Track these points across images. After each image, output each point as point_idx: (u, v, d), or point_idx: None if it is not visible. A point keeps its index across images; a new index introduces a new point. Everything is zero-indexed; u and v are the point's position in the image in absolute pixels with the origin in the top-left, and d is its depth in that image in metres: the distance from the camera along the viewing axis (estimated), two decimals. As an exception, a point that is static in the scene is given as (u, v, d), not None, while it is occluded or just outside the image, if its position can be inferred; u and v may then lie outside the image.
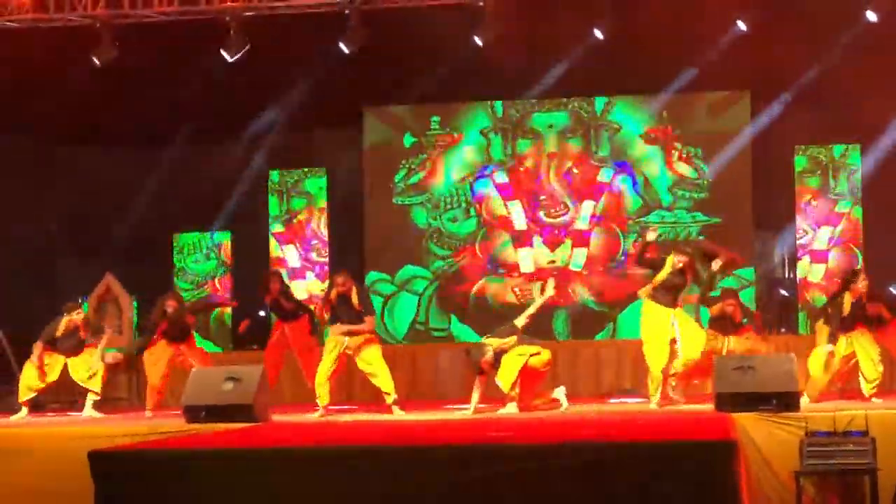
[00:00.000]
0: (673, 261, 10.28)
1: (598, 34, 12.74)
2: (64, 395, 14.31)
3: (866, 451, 7.87)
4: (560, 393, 10.92)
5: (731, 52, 13.76)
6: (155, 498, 7.53)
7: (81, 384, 12.21)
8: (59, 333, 12.20)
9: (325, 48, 14.25)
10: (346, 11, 13.47)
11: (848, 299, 10.71)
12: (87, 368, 12.10)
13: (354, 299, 10.85)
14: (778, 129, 14.79)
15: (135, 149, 16.01)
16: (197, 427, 9.48)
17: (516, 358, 10.60)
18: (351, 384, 12.96)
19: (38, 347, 12.16)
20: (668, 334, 10.29)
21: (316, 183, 14.25)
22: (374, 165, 15.35)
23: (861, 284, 10.70)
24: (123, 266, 15.16)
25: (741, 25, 13.34)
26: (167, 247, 15.92)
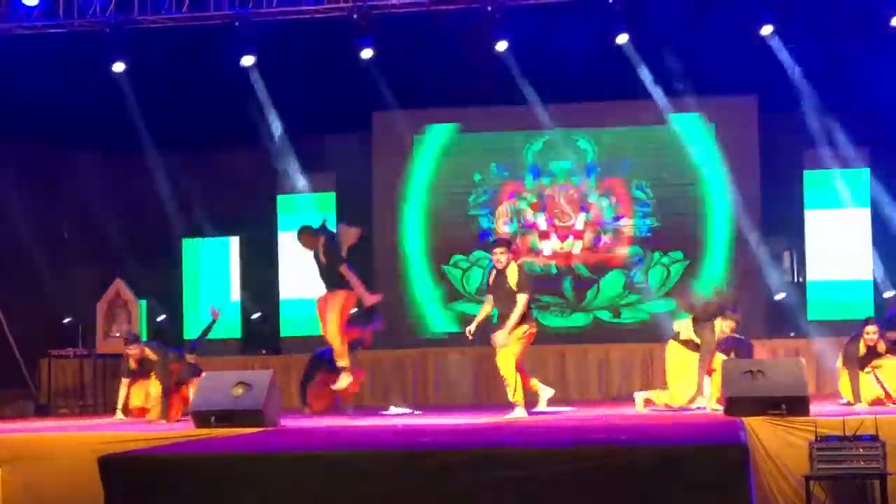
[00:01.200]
0: (721, 326, 10.72)
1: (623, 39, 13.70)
2: (73, 399, 14.37)
3: (876, 456, 7.81)
4: (543, 392, 10.96)
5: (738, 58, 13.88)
6: (165, 502, 7.50)
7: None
8: (132, 367, 12.12)
9: (335, 53, 14.31)
10: (355, 16, 13.50)
11: (862, 346, 10.73)
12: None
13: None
14: (786, 135, 14.83)
15: (145, 154, 16.00)
16: (207, 432, 9.45)
17: (508, 360, 10.68)
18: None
19: (123, 387, 12.15)
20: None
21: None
22: (383, 171, 16.21)
23: (869, 336, 10.68)
24: (134, 271, 15.18)
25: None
26: (177, 252, 15.93)
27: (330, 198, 15.86)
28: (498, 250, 11.00)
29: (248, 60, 14.18)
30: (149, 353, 12.00)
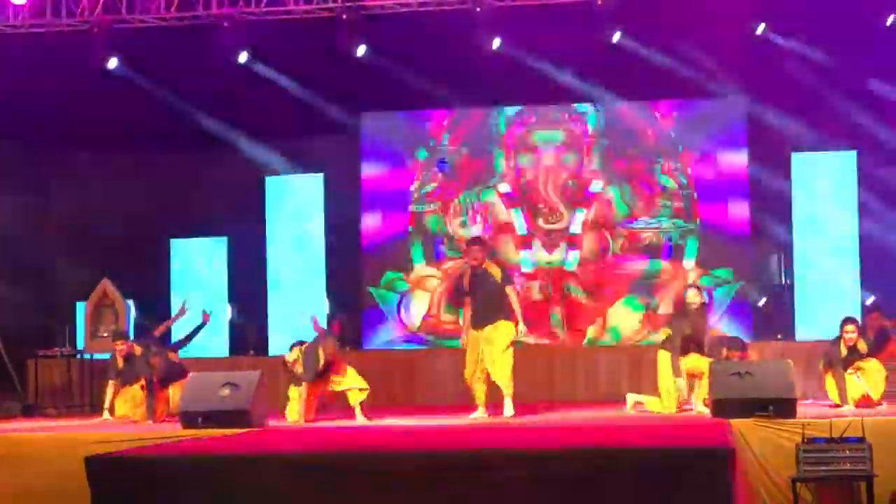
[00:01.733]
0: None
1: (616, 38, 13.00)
2: (60, 400, 14.33)
3: (863, 458, 7.86)
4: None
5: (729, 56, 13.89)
6: (151, 502, 7.50)
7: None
8: (119, 365, 12.14)
9: (323, 53, 14.31)
10: (344, 16, 13.49)
11: (843, 347, 10.80)
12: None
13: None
14: (775, 134, 14.82)
15: (132, 153, 16.00)
16: (194, 432, 9.45)
17: (509, 359, 10.70)
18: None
19: (110, 387, 12.14)
20: None
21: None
22: (371, 171, 15.53)
23: (849, 336, 10.76)
24: (121, 272, 15.12)
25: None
26: (165, 252, 15.90)
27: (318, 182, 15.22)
28: (475, 247, 10.85)
29: (242, 57, 14.22)
30: (136, 348, 12.09)
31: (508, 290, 10.82)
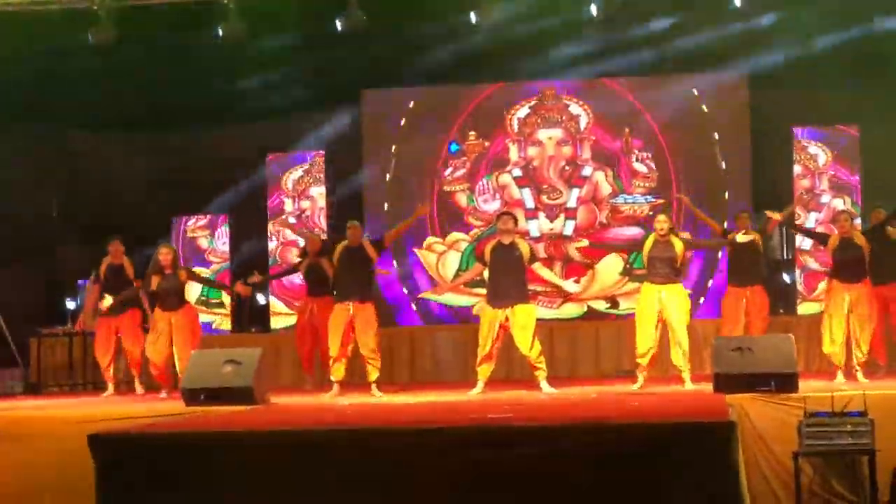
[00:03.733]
0: None
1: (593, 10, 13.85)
2: (63, 378, 14.34)
3: (865, 432, 7.83)
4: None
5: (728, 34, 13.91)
6: (155, 480, 7.48)
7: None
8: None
9: (324, 29, 14.29)
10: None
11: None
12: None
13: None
14: (776, 110, 14.82)
15: (133, 132, 15.96)
16: (196, 409, 9.46)
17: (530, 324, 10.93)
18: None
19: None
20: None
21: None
22: (373, 146, 15.84)
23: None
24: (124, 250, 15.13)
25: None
26: (166, 229, 15.89)
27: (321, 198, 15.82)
28: (506, 217, 11.21)
29: (236, 34, 14.25)
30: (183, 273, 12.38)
31: (536, 266, 11.21)
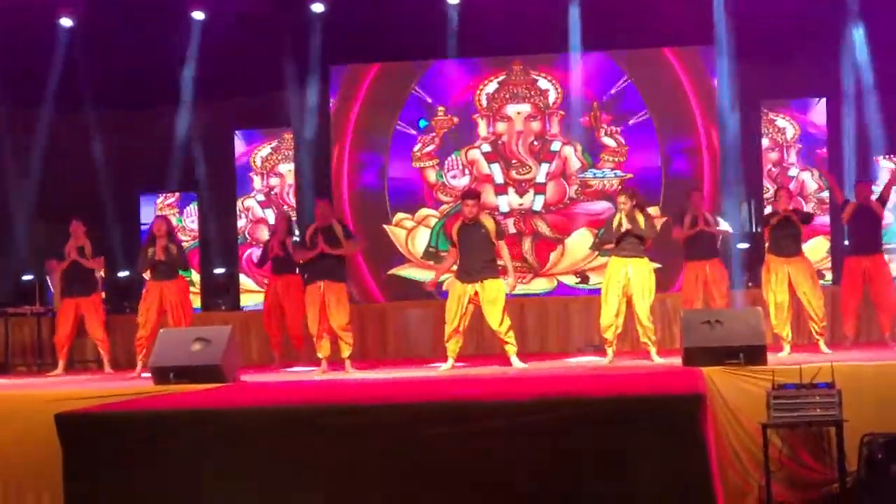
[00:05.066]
0: None
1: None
2: (31, 357, 14.29)
3: (833, 403, 7.87)
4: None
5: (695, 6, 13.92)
6: (124, 459, 7.45)
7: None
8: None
9: (290, 6, 14.23)
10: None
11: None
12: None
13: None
14: (744, 85, 14.85)
15: (99, 110, 15.83)
16: (165, 388, 9.41)
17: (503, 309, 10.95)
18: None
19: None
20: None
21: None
22: (340, 123, 15.75)
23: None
24: (91, 229, 15.03)
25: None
26: (135, 208, 15.81)
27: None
28: (470, 202, 11.15)
29: (198, 15, 14.19)
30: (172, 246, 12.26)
31: (501, 244, 11.14)
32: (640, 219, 11.09)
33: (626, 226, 11.03)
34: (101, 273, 13.16)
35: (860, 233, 12.29)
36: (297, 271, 12.86)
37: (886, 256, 12.85)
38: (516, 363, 10.97)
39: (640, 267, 11.07)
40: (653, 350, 11.02)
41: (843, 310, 12.40)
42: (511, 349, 11.06)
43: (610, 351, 11.08)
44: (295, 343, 12.98)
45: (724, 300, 12.44)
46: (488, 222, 11.15)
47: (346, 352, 11.49)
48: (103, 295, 13.30)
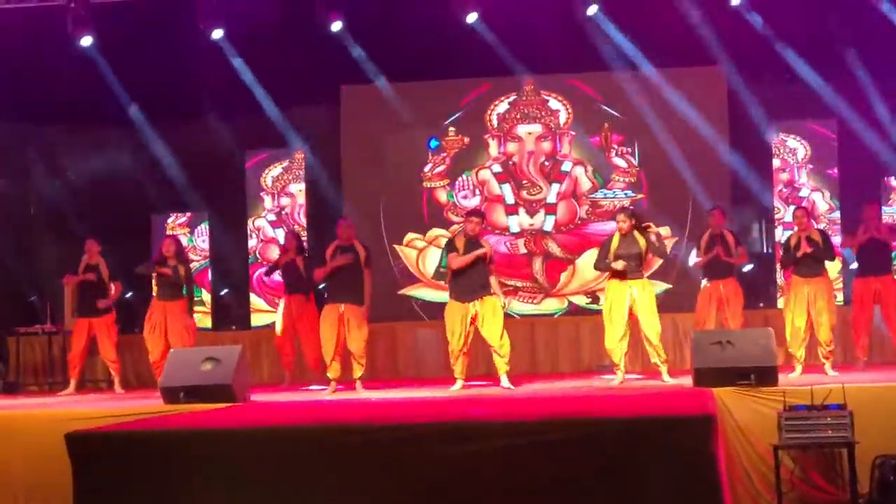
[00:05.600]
0: None
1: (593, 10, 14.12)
2: (42, 377, 14.29)
3: (844, 425, 7.85)
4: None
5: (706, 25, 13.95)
6: (134, 478, 7.46)
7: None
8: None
9: (304, 25, 14.25)
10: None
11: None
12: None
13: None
14: (756, 105, 14.85)
15: (112, 129, 15.88)
16: (175, 407, 9.42)
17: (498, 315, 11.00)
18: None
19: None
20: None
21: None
22: (352, 144, 15.73)
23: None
24: (103, 247, 15.07)
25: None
26: (146, 227, 15.83)
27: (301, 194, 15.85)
28: (475, 219, 11.22)
29: (217, 33, 14.25)
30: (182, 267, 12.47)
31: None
32: (641, 239, 11.09)
33: (616, 245, 11.12)
34: (114, 296, 13.21)
35: (869, 254, 12.28)
36: (307, 291, 12.88)
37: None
38: (504, 383, 10.96)
39: (644, 287, 11.09)
40: (664, 370, 10.98)
41: (854, 331, 12.37)
42: (502, 368, 11.04)
43: (619, 372, 11.05)
44: (311, 365, 12.92)
45: (739, 320, 12.34)
46: (486, 245, 11.21)
47: (357, 373, 11.52)
48: (114, 315, 13.30)
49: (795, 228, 11.85)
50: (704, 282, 12.52)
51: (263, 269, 14.27)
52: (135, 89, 15.03)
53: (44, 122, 15.87)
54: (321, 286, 12.79)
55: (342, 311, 11.47)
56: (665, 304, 13.71)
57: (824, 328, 11.31)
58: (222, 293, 16.19)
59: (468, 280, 11.05)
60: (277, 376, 13.58)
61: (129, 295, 15.19)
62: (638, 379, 11.47)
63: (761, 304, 14.43)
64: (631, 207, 11.98)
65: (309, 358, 12.85)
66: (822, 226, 14.37)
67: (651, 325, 10.96)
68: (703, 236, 12.53)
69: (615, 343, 10.98)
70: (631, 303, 10.98)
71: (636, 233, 11.13)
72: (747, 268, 14.52)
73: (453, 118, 15.62)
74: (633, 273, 11.06)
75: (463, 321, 10.99)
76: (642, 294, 11.01)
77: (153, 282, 13.03)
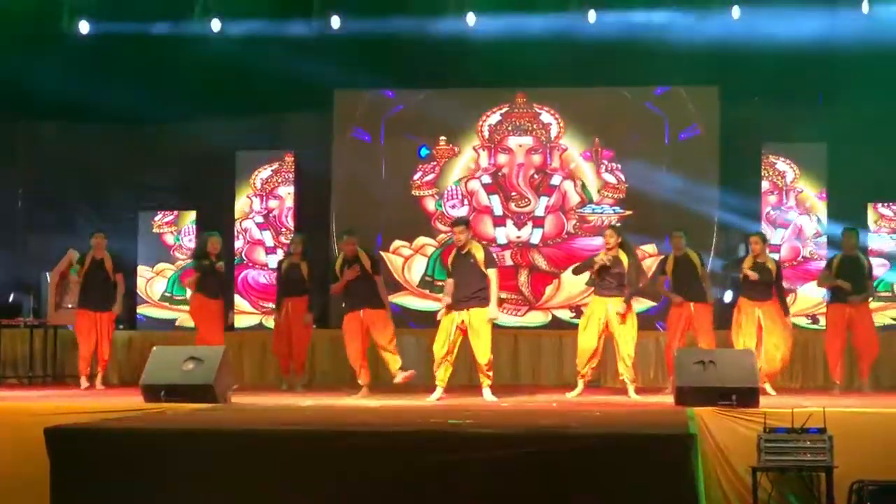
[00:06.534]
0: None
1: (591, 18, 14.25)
2: (22, 370, 14.24)
3: (823, 449, 7.86)
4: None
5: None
6: (111, 475, 7.45)
7: None
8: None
9: (297, 29, 14.27)
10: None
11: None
12: None
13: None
14: (746, 126, 14.90)
15: (100, 123, 15.84)
16: (156, 406, 9.40)
17: (489, 339, 11.06)
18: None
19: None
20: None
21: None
22: (343, 150, 15.75)
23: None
24: (88, 242, 15.02)
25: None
26: (133, 224, 15.80)
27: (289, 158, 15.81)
28: (458, 229, 11.21)
29: (215, 26, 14.28)
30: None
31: (490, 272, 11.11)
32: (624, 258, 11.17)
33: (604, 261, 11.15)
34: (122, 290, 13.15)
35: (845, 280, 12.44)
36: (307, 293, 13.03)
37: (876, 304, 13.37)
38: (487, 396, 11.04)
39: (617, 305, 11.23)
40: (631, 388, 11.19)
41: (828, 356, 12.54)
42: (486, 381, 11.10)
43: (581, 383, 11.24)
44: (295, 367, 12.94)
45: (710, 341, 12.30)
46: (478, 252, 11.16)
47: (394, 365, 11.76)
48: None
49: (751, 252, 12.01)
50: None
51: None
52: (126, 85, 14.98)
53: (32, 115, 15.83)
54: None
55: (362, 316, 11.75)
56: (646, 323, 13.81)
57: (769, 351, 11.61)
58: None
59: (460, 289, 11.09)
60: (259, 378, 13.57)
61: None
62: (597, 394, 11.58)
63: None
64: (618, 226, 12.03)
65: (297, 360, 12.87)
66: (807, 250, 14.48)
67: (625, 343, 11.05)
68: (667, 261, 12.56)
69: (585, 356, 11.27)
70: (607, 320, 11.07)
71: (621, 252, 11.21)
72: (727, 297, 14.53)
73: (445, 127, 15.63)
74: (612, 290, 11.15)
75: (448, 329, 11.02)
76: (617, 311, 11.17)
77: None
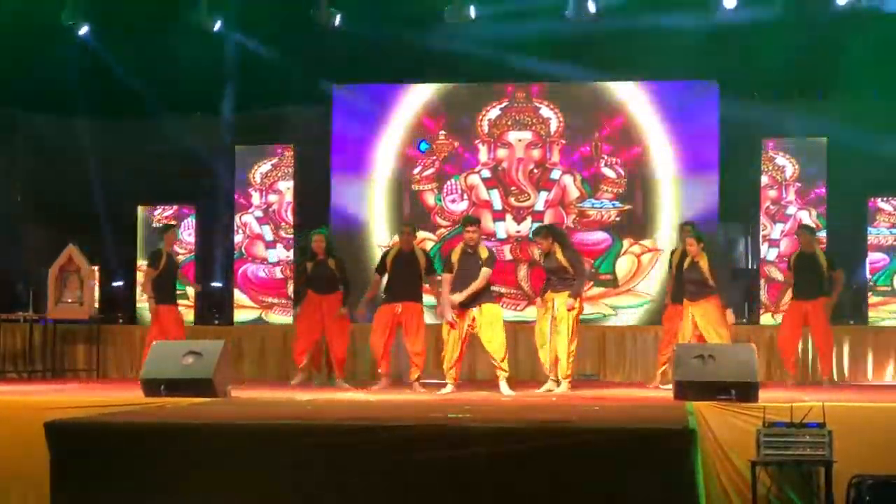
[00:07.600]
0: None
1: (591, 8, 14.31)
2: (22, 364, 14.25)
3: (822, 443, 7.85)
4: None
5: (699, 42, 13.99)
6: (111, 469, 7.44)
7: None
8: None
9: (297, 24, 14.27)
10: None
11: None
12: None
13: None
14: (746, 120, 14.91)
15: (99, 118, 15.86)
16: (155, 400, 9.40)
17: (501, 334, 11.23)
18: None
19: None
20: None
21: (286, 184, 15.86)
22: (343, 144, 15.78)
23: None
24: (88, 237, 15.05)
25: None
26: (132, 218, 15.80)
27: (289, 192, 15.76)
28: (471, 228, 11.40)
29: (216, 25, 14.30)
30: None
31: (484, 271, 11.23)
32: (559, 253, 11.39)
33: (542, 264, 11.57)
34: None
35: (802, 279, 12.68)
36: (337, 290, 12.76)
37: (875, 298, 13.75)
38: (504, 389, 11.09)
39: (562, 301, 11.37)
40: (564, 384, 11.38)
41: (781, 350, 12.76)
42: (502, 374, 11.14)
43: (549, 381, 11.48)
44: (336, 366, 12.72)
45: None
46: (483, 251, 11.34)
47: (414, 374, 11.76)
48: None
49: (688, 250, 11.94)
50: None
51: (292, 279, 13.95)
52: (127, 79, 14.99)
53: (31, 108, 15.83)
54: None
55: (399, 311, 11.74)
56: (645, 318, 13.83)
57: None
58: (209, 287, 16.14)
59: (459, 285, 11.20)
60: (259, 372, 13.55)
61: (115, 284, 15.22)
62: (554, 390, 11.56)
63: (744, 321, 14.46)
64: (547, 224, 12.62)
65: (337, 360, 12.64)
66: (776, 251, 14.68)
67: (560, 339, 11.16)
68: (673, 255, 12.57)
69: (542, 353, 11.44)
70: (552, 314, 11.29)
71: (557, 249, 11.33)
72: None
73: (444, 122, 15.66)
74: (554, 287, 11.37)
75: (460, 327, 11.06)
76: (561, 308, 11.35)
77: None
